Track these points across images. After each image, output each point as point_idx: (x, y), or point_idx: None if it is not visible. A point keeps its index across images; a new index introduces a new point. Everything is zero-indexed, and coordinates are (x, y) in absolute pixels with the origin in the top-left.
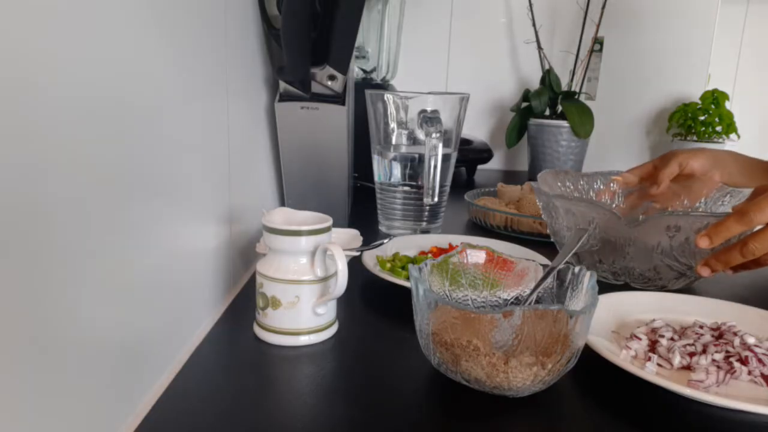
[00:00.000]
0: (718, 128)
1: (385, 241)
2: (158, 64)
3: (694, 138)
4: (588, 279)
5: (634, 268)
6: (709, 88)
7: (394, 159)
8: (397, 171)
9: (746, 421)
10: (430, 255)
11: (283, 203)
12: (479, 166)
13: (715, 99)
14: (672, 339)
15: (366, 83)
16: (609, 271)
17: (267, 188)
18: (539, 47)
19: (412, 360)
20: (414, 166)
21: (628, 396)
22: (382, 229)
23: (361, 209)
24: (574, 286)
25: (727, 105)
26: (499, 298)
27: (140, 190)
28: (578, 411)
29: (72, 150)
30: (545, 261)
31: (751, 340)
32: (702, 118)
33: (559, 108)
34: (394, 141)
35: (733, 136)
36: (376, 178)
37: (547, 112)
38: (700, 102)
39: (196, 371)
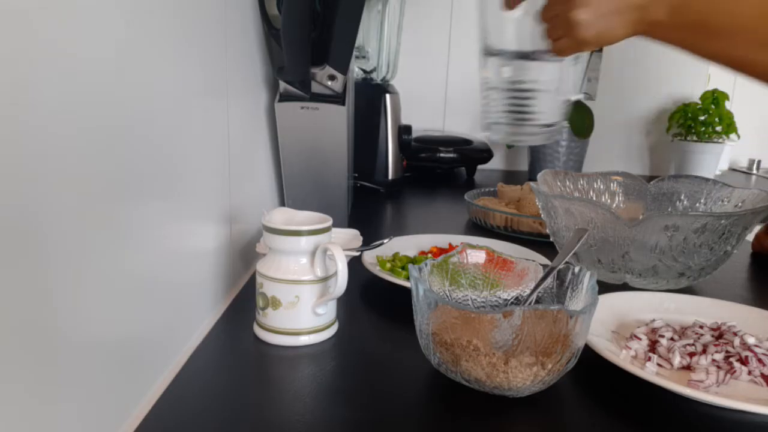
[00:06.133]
0: (718, 128)
1: (385, 241)
2: (158, 64)
3: (695, 138)
4: (588, 279)
5: (633, 268)
6: (709, 88)
7: None
8: None
9: (746, 421)
10: (430, 255)
11: (283, 203)
12: (479, 166)
13: (715, 99)
14: (672, 339)
15: (366, 83)
16: (608, 271)
17: (267, 188)
18: None
19: (412, 360)
20: None
21: (628, 396)
22: None
23: (361, 209)
24: (574, 286)
25: (727, 105)
26: (499, 298)
27: (140, 191)
28: (578, 411)
29: (71, 150)
30: (545, 261)
31: (751, 340)
32: (702, 118)
33: None
34: None
35: (733, 136)
36: None
37: None
38: (700, 102)
39: (196, 371)
